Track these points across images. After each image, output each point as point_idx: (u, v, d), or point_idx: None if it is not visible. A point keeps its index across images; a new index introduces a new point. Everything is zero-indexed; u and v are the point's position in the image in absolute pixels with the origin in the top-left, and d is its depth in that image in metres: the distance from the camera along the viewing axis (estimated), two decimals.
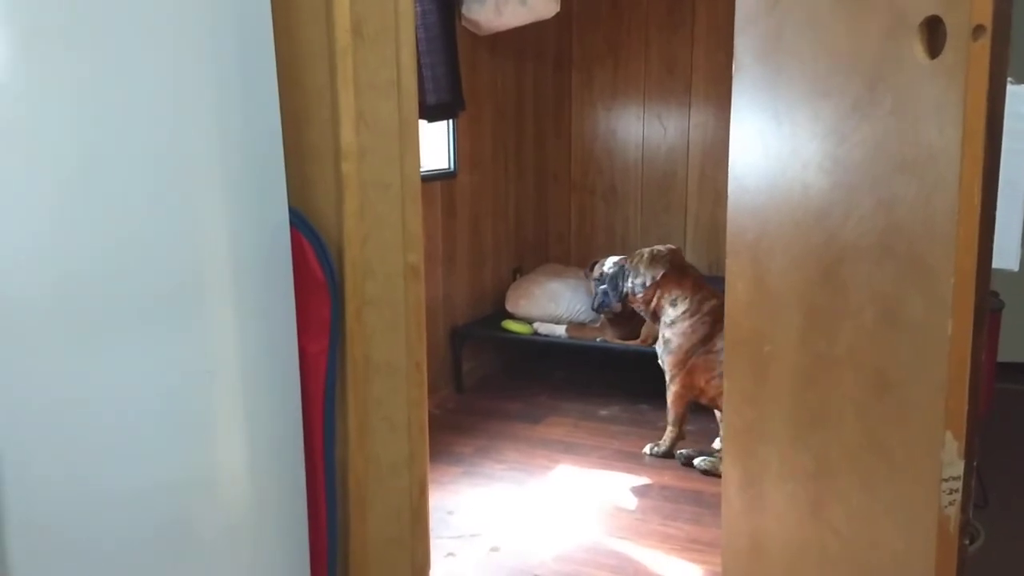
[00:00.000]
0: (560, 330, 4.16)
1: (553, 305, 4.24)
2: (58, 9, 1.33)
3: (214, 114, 1.57)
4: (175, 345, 1.54)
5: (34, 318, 1.34)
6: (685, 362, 3.28)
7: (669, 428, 3.36)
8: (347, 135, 1.81)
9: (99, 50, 1.38)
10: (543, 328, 4.20)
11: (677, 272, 3.40)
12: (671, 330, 3.33)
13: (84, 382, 1.41)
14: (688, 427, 3.40)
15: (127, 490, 1.47)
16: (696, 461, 3.26)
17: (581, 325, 4.15)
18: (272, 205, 1.71)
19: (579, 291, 4.23)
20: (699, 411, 3.46)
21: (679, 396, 3.32)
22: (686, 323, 3.28)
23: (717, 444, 3.26)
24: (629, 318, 3.96)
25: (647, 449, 3.38)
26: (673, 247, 3.56)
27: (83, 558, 1.43)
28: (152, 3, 1.45)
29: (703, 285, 3.38)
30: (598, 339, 4.06)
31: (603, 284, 3.77)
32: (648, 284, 3.41)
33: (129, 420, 1.47)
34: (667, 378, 3.34)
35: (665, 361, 3.35)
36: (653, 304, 3.43)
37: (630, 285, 3.48)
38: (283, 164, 1.73)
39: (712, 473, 3.14)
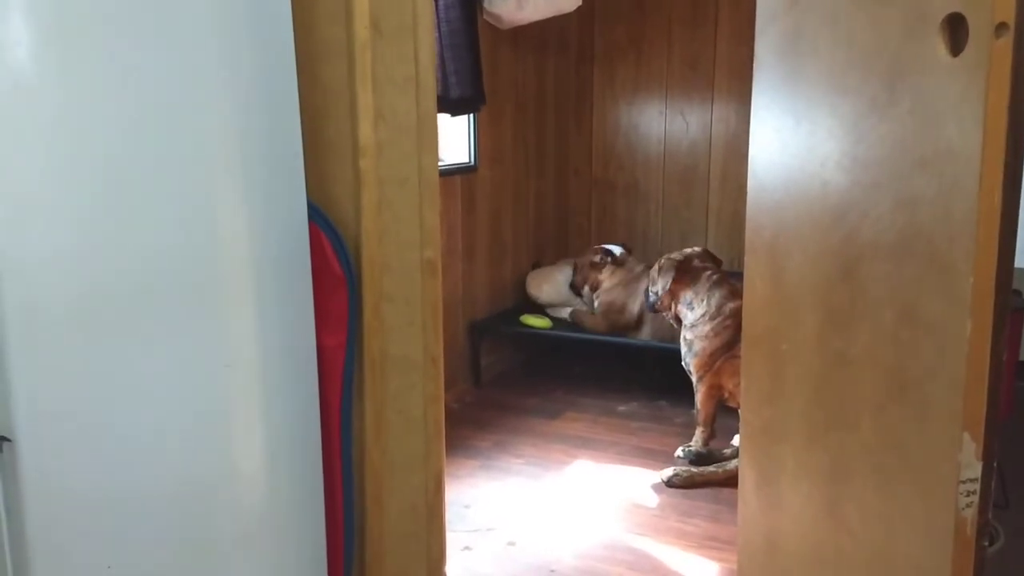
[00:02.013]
0: (565, 312, 4.28)
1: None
2: (78, 8, 1.34)
3: (234, 110, 1.58)
4: (194, 338, 1.55)
5: (53, 313, 1.36)
6: (711, 364, 3.24)
7: (699, 428, 3.32)
8: (365, 131, 1.82)
9: (120, 49, 1.39)
10: (553, 312, 4.32)
11: (689, 275, 3.37)
12: (692, 332, 3.30)
13: (102, 376, 1.42)
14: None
15: (143, 482, 1.49)
16: (664, 474, 3.14)
17: (583, 312, 4.26)
18: (291, 200, 1.72)
19: None
20: (722, 408, 3.44)
21: (708, 397, 3.28)
22: (707, 326, 3.25)
23: (736, 441, 3.25)
24: (620, 311, 4.12)
25: (679, 452, 3.31)
26: (698, 249, 3.54)
27: (102, 552, 1.45)
28: (172, 1, 1.46)
29: (723, 284, 3.30)
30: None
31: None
32: (662, 293, 3.41)
33: (147, 414, 1.49)
34: (694, 380, 3.31)
35: (690, 363, 3.32)
36: (673, 311, 3.43)
37: (652, 297, 3.49)
38: (302, 159, 1.74)
39: (681, 487, 3.09)
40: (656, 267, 3.50)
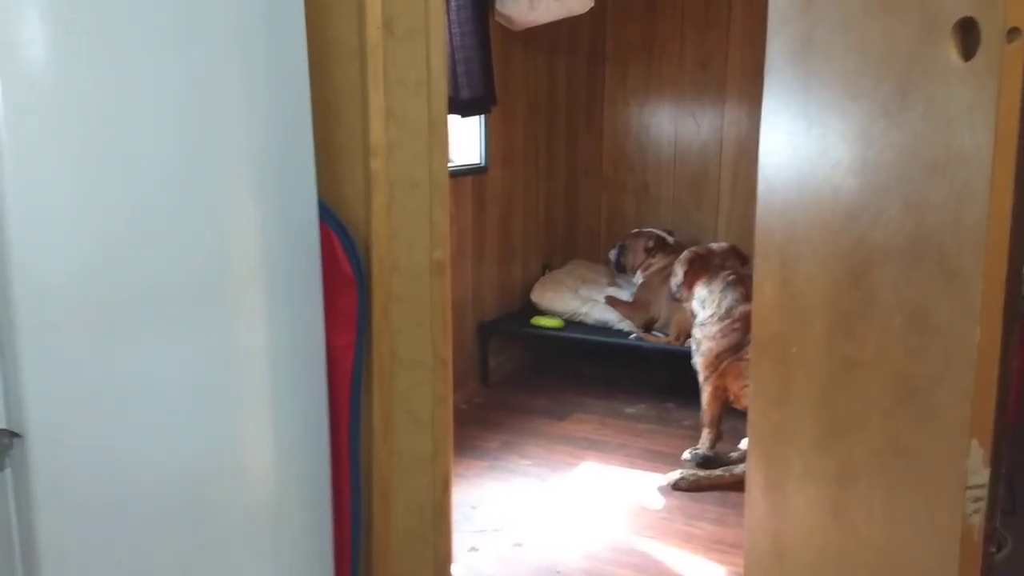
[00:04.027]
0: (600, 297, 4.29)
1: (584, 293, 4.39)
2: (92, 7, 1.35)
3: (245, 109, 1.59)
4: (204, 336, 1.56)
5: (66, 307, 1.36)
6: (716, 366, 3.24)
7: (705, 430, 3.33)
8: (376, 132, 1.83)
9: (132, 47, 1.40)
10: (584, 291, 4.34)
11: (707, 272, 3.37)
12: (700, 331, 3.31)
13: (112, 373, 1.43)
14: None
15: (153, 479, 1.49)
16: (671, 477, 3.14)
17: (616, 299, 4.27)
18: (302, 200, 1.73)
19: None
20: (729, 410, 3.44)
21: (712, 398, 3.29)
22: (715, 327, 3.25)
23: (743, 445, 3.24)
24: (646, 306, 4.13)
25: (686, 455, 3.32)
26: (725, 245, 3.56)
27: (110, 543, 1.45)
28: (185, 1, 1.46)
29: (737, 287, 3.30)
30: (632, 337, 4.05)
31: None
32: (679, 285, 3.43)
33: (158, 411, 1.49)
34: (700, 380, 3.32)
35: (697, 362, 3.33)
36: (687, 304, 3.45)
37: (675, 286, 3.51)
38: (313, 160, 1.74)
39: (687, 490, 3.08)
40: (679, 258, 3.52)
